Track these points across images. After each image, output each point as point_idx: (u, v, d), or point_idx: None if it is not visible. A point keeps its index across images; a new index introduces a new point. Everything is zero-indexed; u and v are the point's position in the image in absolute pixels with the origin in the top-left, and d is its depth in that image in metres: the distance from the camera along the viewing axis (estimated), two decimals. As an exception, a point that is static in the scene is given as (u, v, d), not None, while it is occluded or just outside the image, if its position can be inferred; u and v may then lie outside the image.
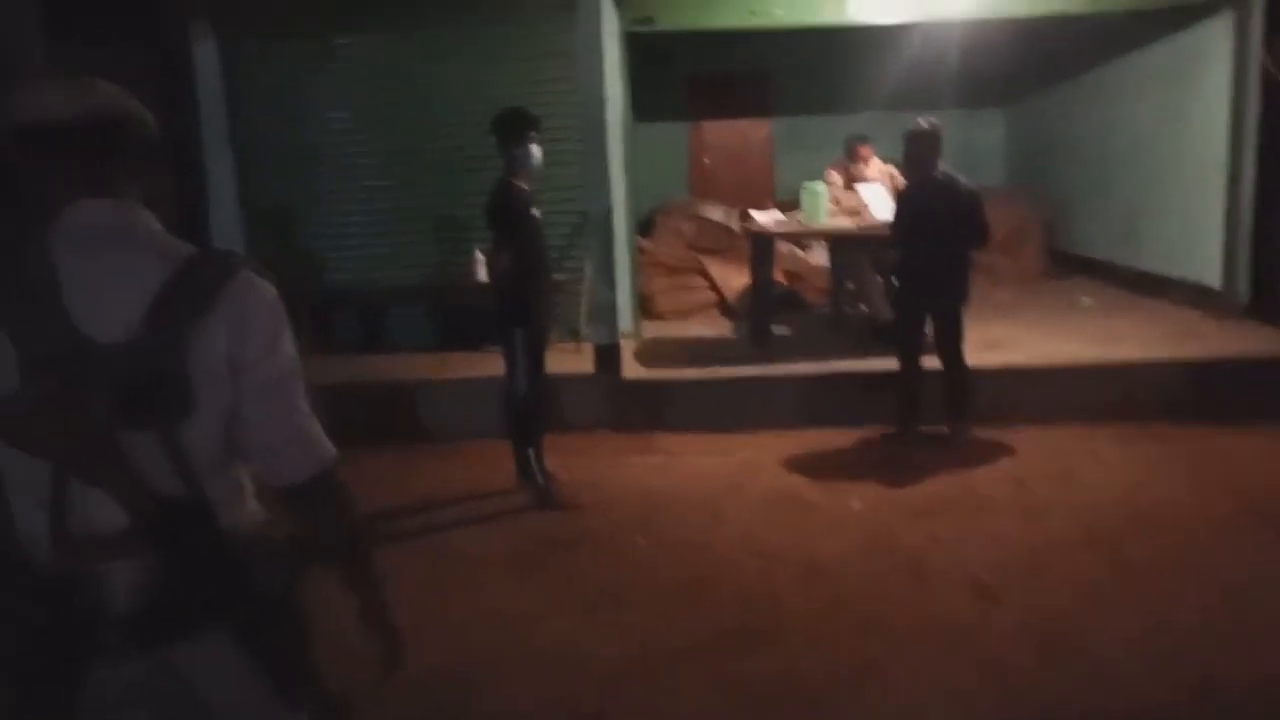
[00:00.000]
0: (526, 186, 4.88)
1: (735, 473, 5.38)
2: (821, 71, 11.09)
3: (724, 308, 8.44)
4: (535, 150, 4.85)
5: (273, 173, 7.22)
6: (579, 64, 6.52)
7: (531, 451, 5.04)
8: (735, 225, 9.07)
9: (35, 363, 1.47)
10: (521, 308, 4.87)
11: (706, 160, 12.14)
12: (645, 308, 8.04)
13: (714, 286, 8.58)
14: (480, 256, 6.75)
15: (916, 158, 5.52)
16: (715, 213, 9.47)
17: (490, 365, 5.89)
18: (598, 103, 6.47)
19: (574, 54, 6.57)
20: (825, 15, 7.12)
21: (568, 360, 6.34)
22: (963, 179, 5.49)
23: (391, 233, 7.26)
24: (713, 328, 7.98)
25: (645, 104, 8.14)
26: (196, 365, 1.51)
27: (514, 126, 4.80)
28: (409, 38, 7.01)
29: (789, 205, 8.18)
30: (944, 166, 5.50)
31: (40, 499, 1.51)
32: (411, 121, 7.06)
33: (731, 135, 12.11)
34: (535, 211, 4.92)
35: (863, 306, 7.41)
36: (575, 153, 6.51)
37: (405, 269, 7.24)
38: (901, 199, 5.85)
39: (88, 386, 1.46)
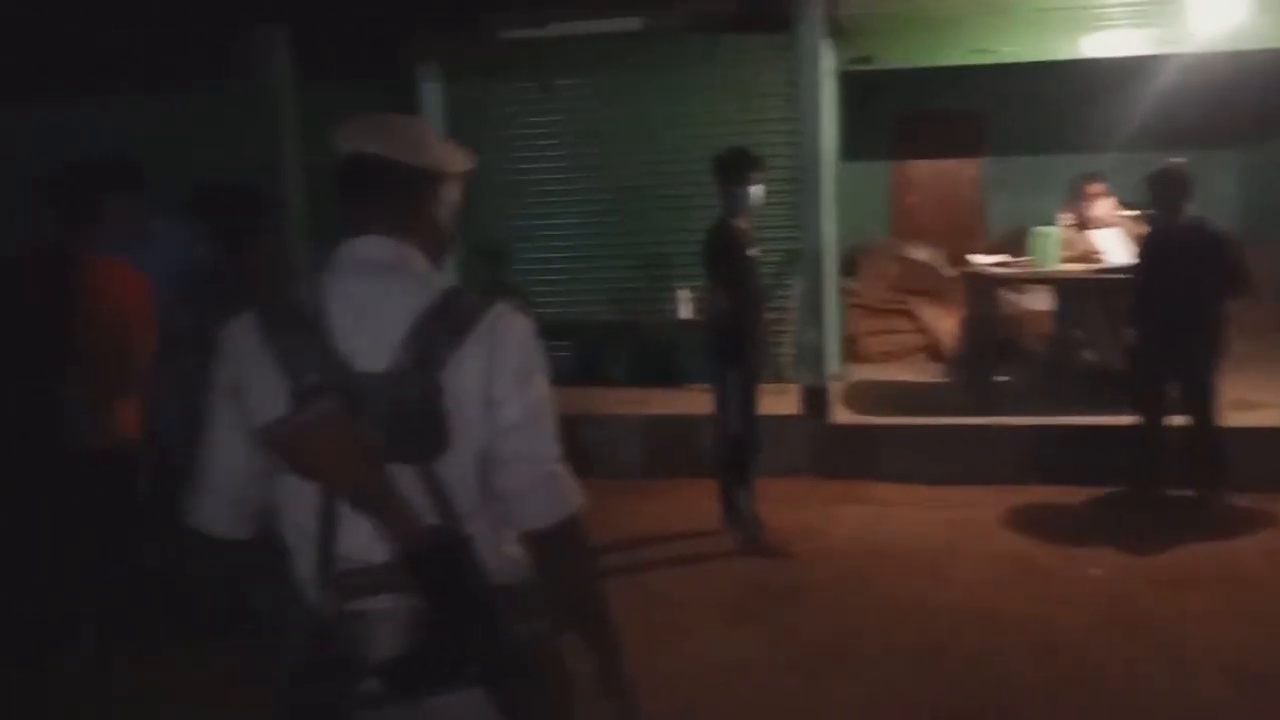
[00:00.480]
0: (745, 226, 4.82)
1: (956, 529, 5.08)
2: (1038, 108, 10.55)
3: (933, 352, 8.10)
4: (757, 191, 4.79)
5: (488, 208, 7.45)
6: (796, 103, 6.42)
7: (742, 494, 4.93)
8: (942, 267, 8.71)
9: (305, 391, 1.48)
10: (736, 348, 4.79)
11: (911, 200, 11.77)
12: (850, 350, 7.81)
13: (923, 329, 8.25)
14: (686, 295, 6.73)
15: (1164, 200, 5.11)
16: (921, 254, 9.14)
17: (689, 403, 5.84)
18: (814, 142, 6.34)
19: (790, 93, 6.50)
20: (1056, 51, 6.77)
21: (771, 402, 6.18)
22: (1215, 224, 5.04)
23: (596, 268, 7.35)
24: (922, 372, 7.66)
25: (848, 142, 7.97)
26: (451, 397, 1.50)
27: (737, 167, 4.75)
28: (627, 78, 7.11)
29: (1000, 247, 7.78)
30: (1192, 210, 5.06)
31: (307, 531, 1.53)
32: (624, 160, 7.14)
33: (937, 174, 11.69)
34: (753, 251, 4.85)
35: (1091, 354, 6.92)
36: (787, 191, 6.41)
37: (607, 304, 7.32)
38: (1145, 244, 5.43)
39: (358, 413, 1.47)
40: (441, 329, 1.52)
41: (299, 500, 1.52)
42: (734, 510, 4.93)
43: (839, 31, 6.68)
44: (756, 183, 4.78)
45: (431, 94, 7.40)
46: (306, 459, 1.47)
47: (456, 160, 1.69)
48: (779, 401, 6.25)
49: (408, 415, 1.49)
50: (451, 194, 1.69)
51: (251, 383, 1.53)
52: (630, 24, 6.91)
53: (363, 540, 1.50)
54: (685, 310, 6.78)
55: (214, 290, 3.81)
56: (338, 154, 1.61)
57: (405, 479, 1.50)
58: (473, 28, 7.07)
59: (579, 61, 7.12)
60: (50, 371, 3.42)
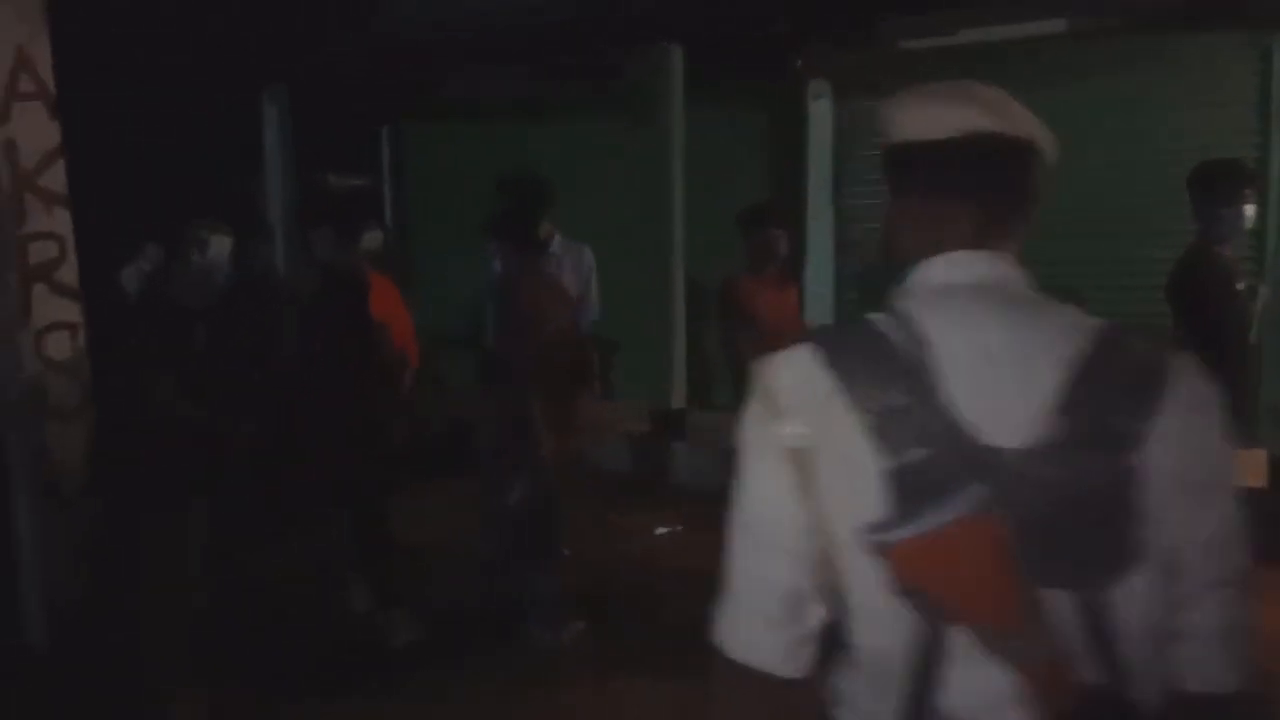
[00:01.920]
0: (1229, 255, 3.94)
1: None
2: None
3: None
4: (1249, 211, 3.89)
5: (870, 233, 6.94)
6: (1268, 110, 5.35)
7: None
8: None
9: (912, 474, 1.01)
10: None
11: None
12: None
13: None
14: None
15: None
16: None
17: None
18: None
19: (1261, 98, 5.42)
20: None
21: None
22: None
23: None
24: None
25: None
26: (1140, 488, 0.99)
27: (1229, 182, 3.88)
28: (1048, 88, 6.28)
29: None
30: None
31: (892, 671, 1.05)
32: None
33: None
34: (1240, 285, 3.95)
35: None
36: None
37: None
38: None
39: (993, 508, 0.99)
40: (1118, 386, 1.02)
41: (885, 625, 1.05)
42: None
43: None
44: (1250, 201, 3.89)
45: (820, 113, 6.99)
46: (926, 576, 1.00)
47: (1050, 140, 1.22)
48: (1245, 469, 5.16)
49: (1078, 514, 0.99)
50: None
51: (823, 451, 1.07)
52: (1054, 26, 6.12)
53: (984, 694, 1.01)
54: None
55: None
56: (904, 136, 1.18)
57: (1057, 608, 1.00)
58: (870, 38, 6.59)
59: (990, 71, 6.37)
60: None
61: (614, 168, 6.98)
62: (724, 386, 7.10)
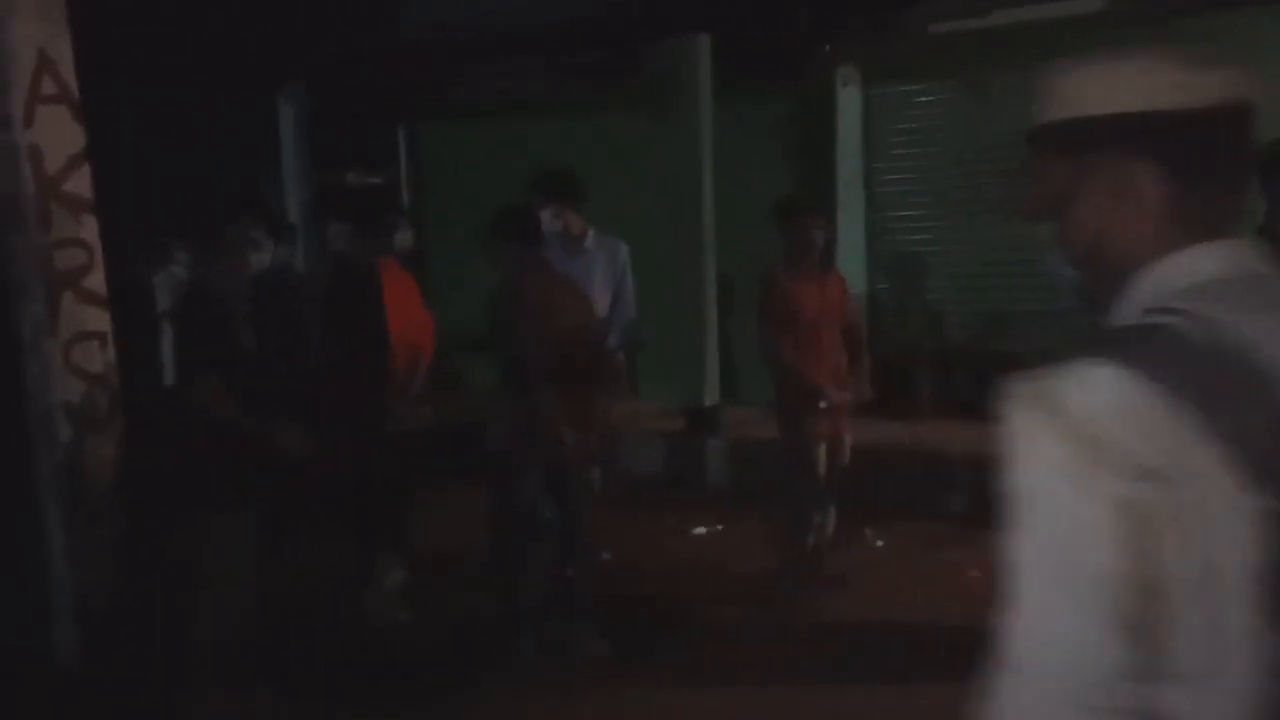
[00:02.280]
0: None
1: None
2: None
3: None
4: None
5: (900, 220, 6.81)
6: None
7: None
8: None
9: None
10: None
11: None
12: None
13: None
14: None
15: None
16: None
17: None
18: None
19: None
20: None
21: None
22: None
23: (1024, 289, 6.43)
24: None
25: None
26: None
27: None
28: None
29: None
30: None
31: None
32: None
33: None
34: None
35: None
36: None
37: (1037, 330, 6.36)
38: None
39: None
40: None
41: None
42: None
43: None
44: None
45: (849, 101, 6.86)
46: None
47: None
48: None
49: None
50: None
51: (1174, 493, 0.87)
52: (1090, 5, 5.96)
53: None
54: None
55: None
56: (1137, 105, 0.99)
57: None
58: (897, 23, 6.45)
59: (1023, 55, 6.23)
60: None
61: (640, 163, 6.85)
62: (756, 382, 6.98)
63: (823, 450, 4.36)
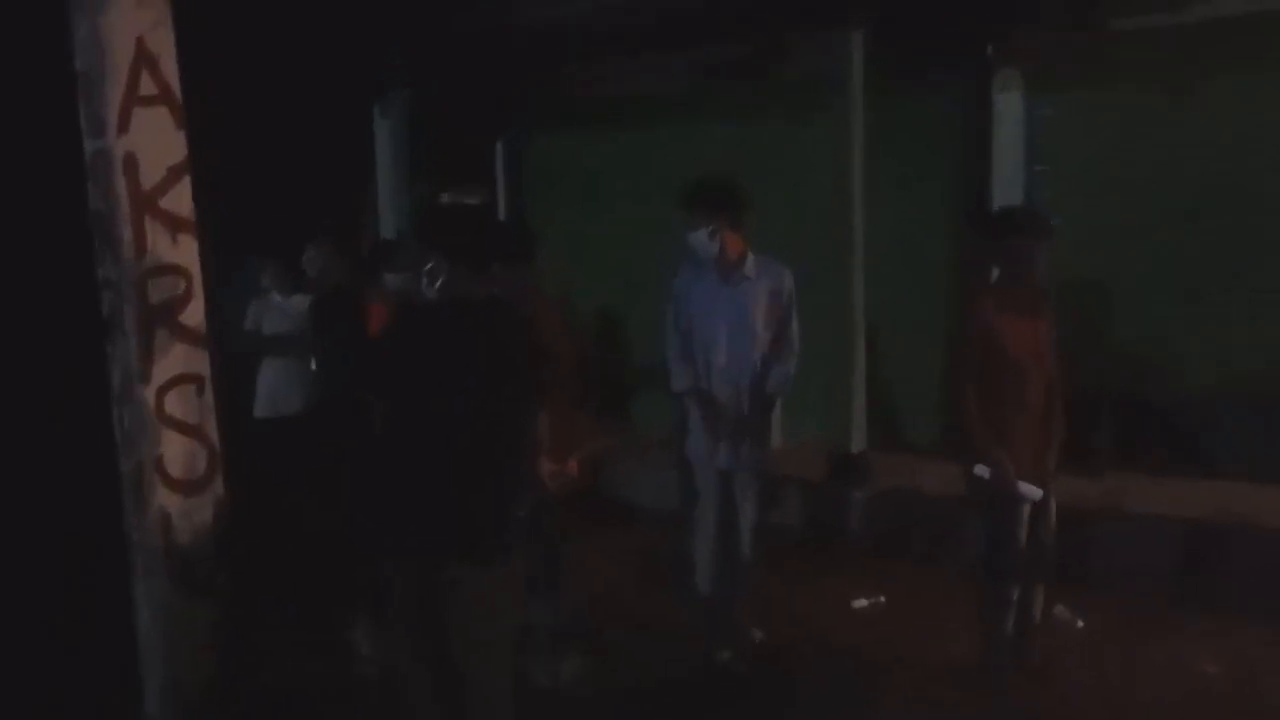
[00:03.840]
0: None
1: None
2: None
3: None
4: None
5: (1069, 247, 6.01)
6: None
7: None
8: None
9: None
10: None
11: None
12: None
13: None
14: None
15: None
16: None
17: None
18: None
19: None
20: None
21: None
22: None
23: (1227, 322, 5.60)
24: None
25: None
26: None
27: None
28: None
29: None
30: None
31: None
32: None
33: None
34: None
35: None
36: None
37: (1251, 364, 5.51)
38: None
39: None
40: None
41: None
42: None
43: None
44: None
45: (1008, 107, 6.09)
46: None
47: None
48: None
49: None
50: None
51: None
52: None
53: None
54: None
55: None
56: None
57: None
58: (1076, 19, 5.68)
59: (1218, 53, 5.43)
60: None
61: (779, 172, 6.16)
62: (911, 424, 6.24)
63: (1025, 513, 3.62)
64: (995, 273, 3.76)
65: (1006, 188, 6.11)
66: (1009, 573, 3.70)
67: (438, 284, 2.76)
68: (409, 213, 7.42)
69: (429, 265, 2.76)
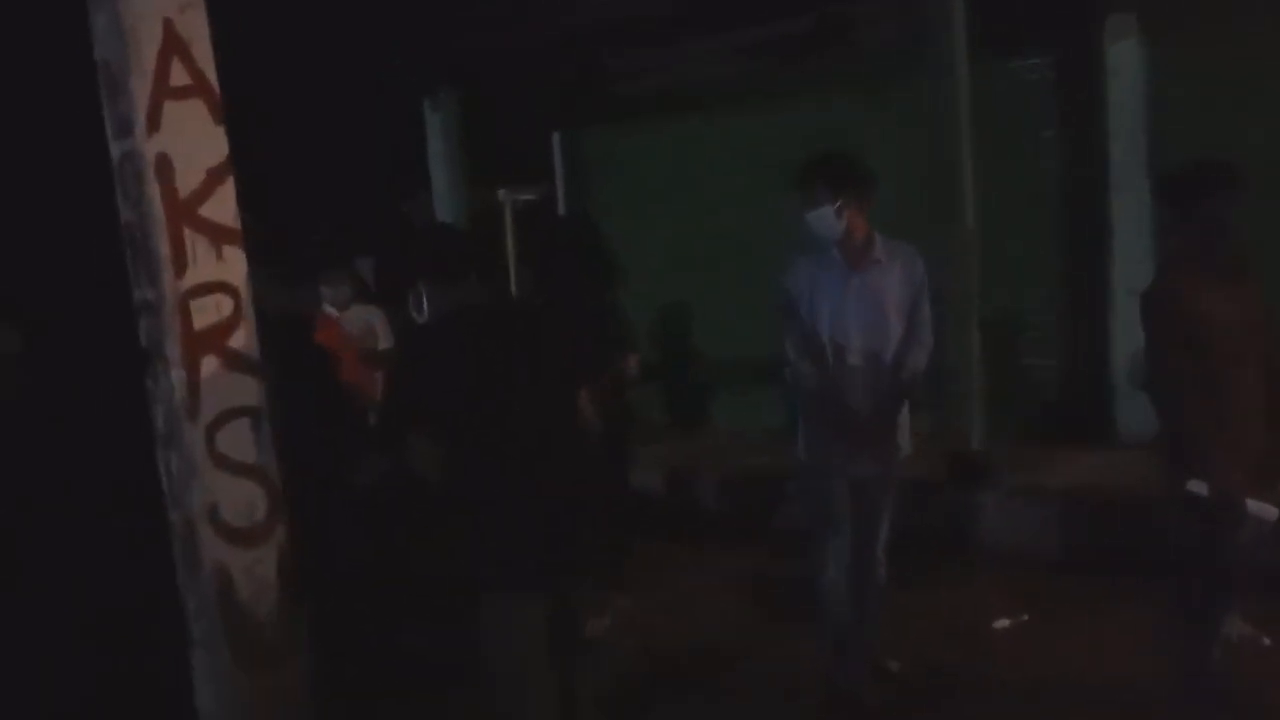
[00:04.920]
0: None
1: None
2: None
3: None
4: None
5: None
6: None
7: None
8: None
9: None
10: None
11: None
12: None
13: None
14: None
15: None
16: None
17: None
18: None
19: None
20: None
21: None
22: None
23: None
24: None
25: None
26: None
27: None
28: None
29: None
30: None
31: None
32: None
33: None
34: None
35: None
36: None
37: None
38: None
39: None
40: None
41: None
42: None
43: None
44: None
45: (1124, 57, 5.48)
46: None
47: None
48: None
49: None
50: None
51: None
52: None
53: None
54: None
55: None
56: None
57: None
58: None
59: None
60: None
61: (868, 150, 5.62)
62: (1034, 410, 5.68)
63: (1252, 535, 3.03)
64: (1189, 242, 3.14)
65: (1124, 147, 5.53)
66: (1224, 602, 3.12)
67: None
68: (464, 210, 7.01)
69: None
